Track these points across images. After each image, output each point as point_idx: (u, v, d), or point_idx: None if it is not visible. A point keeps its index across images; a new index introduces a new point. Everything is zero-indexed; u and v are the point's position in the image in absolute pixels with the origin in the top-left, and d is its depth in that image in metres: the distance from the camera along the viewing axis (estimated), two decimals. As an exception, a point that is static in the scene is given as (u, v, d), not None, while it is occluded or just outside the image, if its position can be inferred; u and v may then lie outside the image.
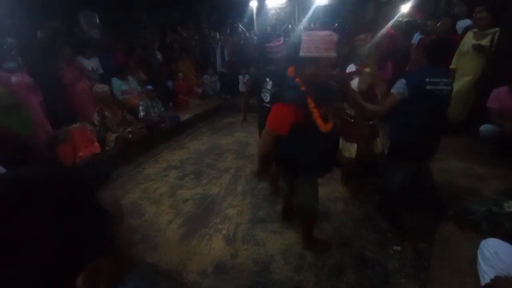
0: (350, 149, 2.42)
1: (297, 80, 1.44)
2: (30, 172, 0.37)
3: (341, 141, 2.46)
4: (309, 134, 1.49)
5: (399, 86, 1.79)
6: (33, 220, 0.31)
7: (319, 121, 1.47)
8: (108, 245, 0.39)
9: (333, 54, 1.35)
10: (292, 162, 1.61)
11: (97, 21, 5.58)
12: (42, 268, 0.31)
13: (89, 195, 0.37)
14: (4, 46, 3.77)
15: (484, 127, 2.69)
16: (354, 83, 2.23)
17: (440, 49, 1.84)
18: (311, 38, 1.36)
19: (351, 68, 2.40)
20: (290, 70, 1.52)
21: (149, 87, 4.31)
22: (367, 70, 2.14)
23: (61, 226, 0.33)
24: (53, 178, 0.36)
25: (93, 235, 0.36)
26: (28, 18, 3.50)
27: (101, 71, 4.35)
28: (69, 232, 0.33)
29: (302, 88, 1.43)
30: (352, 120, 2.39)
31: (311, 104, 1.43)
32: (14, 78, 3.10)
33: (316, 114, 1.45)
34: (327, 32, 1.35)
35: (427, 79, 1.73)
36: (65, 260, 0.33)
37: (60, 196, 0.34)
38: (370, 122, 2.35)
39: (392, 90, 1.84)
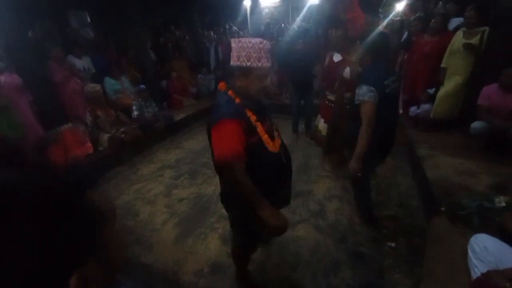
0: (325, 129, 2.87)
1: (229, 93, 1.25)
2: (14, 176, 0.35)
3: (321, 120, 3.05)
4: (256, 159, 1.20)
5: (370, 94, 1.72)
6: (16, 226, 0.30)
7: (265, 137, 1.25)
8: (98, 247, 0.38)
9: (266, 64, 1.20)
10: (231, 197, 1.36)
11: (88, 20, 5.49)
12: (27, 274, 0.30)
13: (75, 198, 0.36)
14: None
15: (475, 124, 2.75)
16: (347, 72, 2.44)
17: (383, 45, 1.86)
18: (241, 46, 1.18)
19: (337, 57, 2.61)
20: (221, 85, 1.32)
21: (142, 86, 4.27)
22: (353, 59, 2.27)
23: (46, 231, 0.31)
24: (38, 181, 0.35)
25: (81, 238, 0.35)
26: (16, 17, 3.43)
27: (93, 70, 4.28)
28: (55, 237, 0.32)
29: (237, 101, 1.23)
30: (332, 105, 2.75)
31: (252, 117, 1.23)
32: (2, 79, 3.03)
33: (260, 129, 1.24)
34: (258, 40, 1.18)
35: (385, 82, 1.77)
36: (52, 265, 0.32)
37: (45, 200, 0.33)
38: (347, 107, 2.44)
39: (366, 99, 1.73)
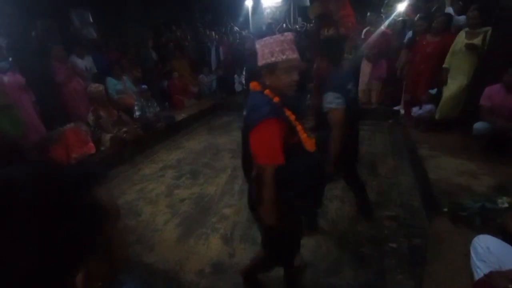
0: None
1: (267, 92, 1.18)
2: (17, 172, 0.35)
3: None
4: (294, 159, 1.16)
5: (337, 101, 1.73)
6: (18, 223, 0.30)
7: (304, 137, 1.21)
8: (102, 244, 0.38)
9: (292, 55, 1.14)
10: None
11: (91, 19, 5.51)
12: (29, 271, 0.30)
13: (79, 195, 0.36)
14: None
15: (477, 125, 2.74)
16: None
17: (338, 50, 1.93)
18: (264, 44, 1.15)
19: None
20: (254, 85, 1.24)
21: (144, 86, 4.29)
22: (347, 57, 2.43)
23: (48, 228, 0.31)
24: (41, 178, 0.35)
25: (84, 235, 0.35)
26: (19, 16, 3.44)
27: (95, 70, 4.30)
28: (58, 233, 0.32)
29: (276, 100, 1.17)
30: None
31: (292, 116, 1.20)
32: (6, 78, 3.05)
33: (299, 128, 1.21)
34: (279, 35, 1.16)
35: (348, 87, 1.82)
36: (55, 262, 0.32)
37: (47, 197, 0.33)
38: None
39: (333, 106, 1.73)
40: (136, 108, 4.13)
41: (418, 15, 4.03)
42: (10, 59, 3.36)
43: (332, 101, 1.73)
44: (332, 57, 1.89)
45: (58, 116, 3.54)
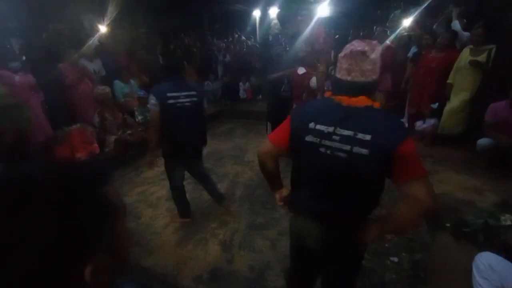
0: None
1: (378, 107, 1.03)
2: (30, 168, 0.37)
3: None
4: None
5: (151, 102, 2.03)
6: (34, 216, 0.32)
7: None
8: (111, 239, 0.39)
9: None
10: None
11: (102, 25, 5.65)
12: (44, 264, 0.31)
13: (92, 190, 0.38)
14: (8, 46, 3.81)
15: (481, 141, 2.73)
16: (313, 81, 2.81)
17: (173, 64, 2.14)
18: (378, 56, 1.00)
19: (301, 70, 2.97)
20: (363, 99, 0.99)
21: (140, 93, 4.25)
22: (321, 68, 2.65)
23: (62, 222, 0.33)
24: (54, 173, 0.36)
25: (97, 228, 0.37)
26: (33, 19, 3.56)
27: (103, 73, 4.38)
28: (71, 227, 0.34)
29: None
30: None
31: None
32: (17, 78, 3.12)
33: None
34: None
35: (168, 94, 2.02)
36: (68, 255, 0.33)
37: (61, 192, 0.34)
38: None
39: (150, 107, 2.05)
40: (136, 113, 4.15)
41: (423, 30, 4.09)
42: (24, 58, 3.44)
43: (150, 102, 2.05)
44: (167, 71, 2.14)
45: (65, 117, 3.59)
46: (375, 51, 0.97)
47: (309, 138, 1.02)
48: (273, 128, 3.55)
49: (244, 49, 7.02)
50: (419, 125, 3.65)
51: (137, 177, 3.40)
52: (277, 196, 1.28)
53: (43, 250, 0.31)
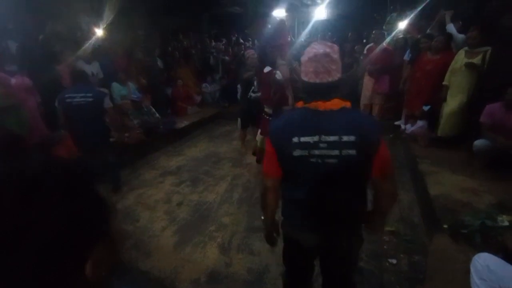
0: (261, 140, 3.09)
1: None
2: (32, 163, 0.38)
3: (260, 137, 3.20)
4: None
5: (57, 103, 2.66)
6: (42, 207, 0.33)
7: None
8: (108, 233, 0.41)
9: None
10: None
11: (99, 26, 5.64)
12: (53, 251, 0.33)
13: (89, 184, 0.40)
14: (5, 48, 3.79)
15: (478, 142, 2.75)
16: (278, 74, 2.94)
17: (77, 73, 2.83)
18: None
19: (267, 69, 3.14)
20: (337, 102, 1.03)
21: (135, 96, 4.22)
22: (281, 62, 3.05)
23: (68, 213, 0.35)
24: (56, 168, 0.38)
25: (96, 219, 0.39)
26: (31, 21, 3.54)
27: (101, 75, 4.37)
28: (76, 218, 0.36)
29: None
30: (268, 118, 3.06)
31: None
32: (14, 80, 3.11)
33: None
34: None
35: (66, 95, 2.63)
36: (74, 243, 0.35)
37: (66, 184, 0.37)
38: None
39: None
40: (131, 117, 4.11)
41: (420, 33, 4.13)
42: (20, 60, 3.42)
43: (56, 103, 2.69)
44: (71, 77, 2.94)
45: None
46: (336, 52, 1.02)
47: (297, 152, 1.01)
48: (242, 125, 3.80)
49: (242, 52, 7.03)
50: (408, 128, 3.70)
51: (135, 180, 3.38)
52: (269, 234, 1.30)
53: (52, 237, 0.33)
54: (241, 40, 8.12)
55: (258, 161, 3.44)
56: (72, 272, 0.36)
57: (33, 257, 0.32)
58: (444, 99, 3.37)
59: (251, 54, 3.57)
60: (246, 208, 2.70)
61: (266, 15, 7.06)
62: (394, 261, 2.01)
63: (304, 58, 1.03)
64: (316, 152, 1.00)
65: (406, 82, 4.03)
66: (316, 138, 0.99)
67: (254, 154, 3.61)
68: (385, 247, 2.15)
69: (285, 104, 3.09)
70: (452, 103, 3.30)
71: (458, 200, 2.34)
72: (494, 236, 1.71)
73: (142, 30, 5.69)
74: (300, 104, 1.07)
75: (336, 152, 0.98)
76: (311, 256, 1.30)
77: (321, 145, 0.99)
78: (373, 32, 4.39)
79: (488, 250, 1.41)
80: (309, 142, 1.00)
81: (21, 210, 0.32)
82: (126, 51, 5.11)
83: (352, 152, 0.97)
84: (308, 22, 8.41)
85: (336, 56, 1.01)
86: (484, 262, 1.27)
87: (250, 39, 7.41)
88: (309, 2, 8.50)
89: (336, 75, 1.01)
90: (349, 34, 5.94)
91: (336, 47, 1.03)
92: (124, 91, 4.41)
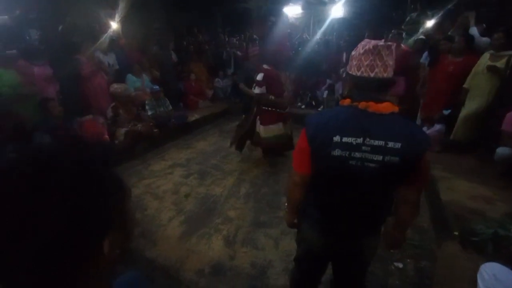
0: (269, 130, 3.20)
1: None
2: (51, 147, 0.39)
3: (261, 127, 3.24)
4: None
5: None
6: (58, 192, 0.34)
7: None
8: (123, 216, 0.42)
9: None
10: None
11: (116, 20, 5.75)
12: (70, 235, 0.34)
13: (105, 169, 0.41)
14: (27, 38, 3.93)
15: (501, 150, 2.64)
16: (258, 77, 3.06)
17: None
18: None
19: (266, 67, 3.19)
20: (388, 105, 0.96)
21: (156, 87, 4.37)
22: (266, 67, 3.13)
23: (87, 198, 0.36)
24: (73, 153, 0.39)
25: (112, 204, 0.40)
26: (52, 11, 3.64)
27: (117, 67, 4.46)
28: (94, 203, 0.37)
29: None
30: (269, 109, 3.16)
31: None
32: (36, 69, 3.22)
33: None
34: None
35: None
36: (92, 226, 0.36)
37: (83, 169, 0.37)
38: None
39: None
40: (147, 108, 4.22)
41: (441, 34, 3.99)
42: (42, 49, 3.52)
43: None
44: None
45: (79, 108, 3.68)
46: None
47: (336, 152, 0.95)
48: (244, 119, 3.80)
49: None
50: (424, 130, 3.60)
51: (144, 170, 3.45)
52: (291, 220, 1.29)
53: (71, 221, 0.34)
54: (255, 36, 8.10)
55: (238, 148, 3.55)
56: (90, 252, 0.37)
57: (50, 243, 0.33)
58: (462, 103, 3.26)
59: (253, 51, 3.64)
60: (253, 203, 2.72)
61: (273, 13, 7.01)
62: (400, 265, 1.98)
63: (358, 51, 0.96)
64: (357, 154, 0.94)
65: (424, 84, 3.91)
66: (359, 140, 0.94)
67: (231, 144, 3.58)
68: (391, 250, 2.11)
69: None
70: (470, 106, 3.19)
71: (470, 207, 2.27)
72: (506, 245, 1.66)
73: (157, 24, 5.77)
74: (346, 101, 1.00)
75: (378, 157, 0.93)
76: (328, 259, 1.30)
77: (364, 148, 0.94)
78: (392, 31, 4.27)
79: (499, 260, 1.36)
80: (351, 143, 0.94)
81: (34, 195, 0.33)
82: (142, 44, 5.19)
83: (396, 159, 0.92)
84: (324, 20, 8.28)
85: (393, 51, 0.95)
86: (491, 271, 1.24)
87: (256, 37, 7.40)
88: (326, 0, 8.36)
89: (390, 72, 0.95)
90: (366, 33, 5.80)
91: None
92: (139, 83, 4.50)
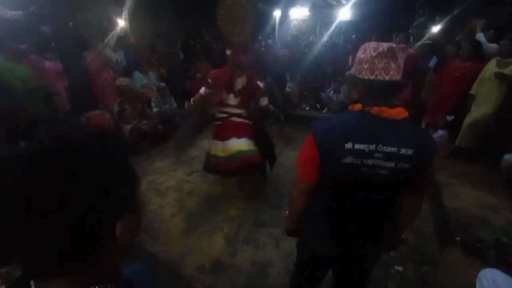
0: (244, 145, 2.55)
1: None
2: (76, 135, 0.42)
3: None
4: None
5: None
6: (87, 175, 0.37)
7: None
8: (134, 202, 0.44)
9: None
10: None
11: (126, 17, 5.83)
12: (91, 216, 0.37)
13: (123, 156, 0.43)
14: (39, 33, 4.00)
15: (508, 156, 2.61)
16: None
17: None
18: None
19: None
20: (401, 111, 0.93)
21: (162, 84, 4.44)
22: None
23: (106, 182, 0.38)
24: (96, 141, 0.41)
25: (127, 188, 0.43)
26: (64, 7, 3.71)
27: (124, 64, 4.53)
28: (113, 187, 0.39)
29: None
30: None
31: None
32: (47, 64, 3.29)
33: None
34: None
35: None
36: (109, 209, 0.39)
37: (108, 154, 0.40)
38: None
39: None
40: (153, 104, 4.27)
41: (449, 39, 3.97)
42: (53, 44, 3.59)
43: None
44: None
45: (86, 103, 3.74)
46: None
47: (348, 160, 0.92)
48: None
49: (262, 48, 7.04)
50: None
51: (148, 167, 3.49)
52: (292, 228, 1.25)
53: (97, 201, 0.37)
54: (260, 37, 8.13)
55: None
56: (108, 233, 0.40)
57: (72, 224, 0.35)
58: (468, 109, 3.24)
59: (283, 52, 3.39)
60: (255, 202, 2.73)
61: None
62: (401, 269, 1.97)
63: (369, 54, 0.93)
64: (369, 161, 0.91)
65: (430, 89, 3.89)
66: (372, 147, 0.90)
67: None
68: (392, 254, 2.11)
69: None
70: (476, 113, 3.17)
71: (475, 215, 2.26)
72: (509, 253, 1.64)
73: (166, 22, 5.83)
74: (357, 106, 0.95)
75: (391, 164, 0.91)
76: (330, 265, 1.28)
77: (377, 155, 0.91)
78: (399, 35, 4.27)
79: (501, 267, 1.35)
80: (364, 150, 0.91)
81: (67, 177, 0.35)
82: (150, 42, 5.26)
83: (407, 166, 0.90)
84: (331, 22, 8.29)
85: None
86: (490, 277, 1.23)
87: (271, 36, 7.40)
88: (334, 3, 8.36)
89: (400, 74, 0.92)
90: (374, 36, 5.79)
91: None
92: (145, 80, 4.55)
